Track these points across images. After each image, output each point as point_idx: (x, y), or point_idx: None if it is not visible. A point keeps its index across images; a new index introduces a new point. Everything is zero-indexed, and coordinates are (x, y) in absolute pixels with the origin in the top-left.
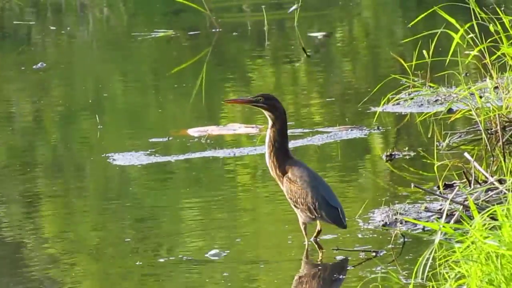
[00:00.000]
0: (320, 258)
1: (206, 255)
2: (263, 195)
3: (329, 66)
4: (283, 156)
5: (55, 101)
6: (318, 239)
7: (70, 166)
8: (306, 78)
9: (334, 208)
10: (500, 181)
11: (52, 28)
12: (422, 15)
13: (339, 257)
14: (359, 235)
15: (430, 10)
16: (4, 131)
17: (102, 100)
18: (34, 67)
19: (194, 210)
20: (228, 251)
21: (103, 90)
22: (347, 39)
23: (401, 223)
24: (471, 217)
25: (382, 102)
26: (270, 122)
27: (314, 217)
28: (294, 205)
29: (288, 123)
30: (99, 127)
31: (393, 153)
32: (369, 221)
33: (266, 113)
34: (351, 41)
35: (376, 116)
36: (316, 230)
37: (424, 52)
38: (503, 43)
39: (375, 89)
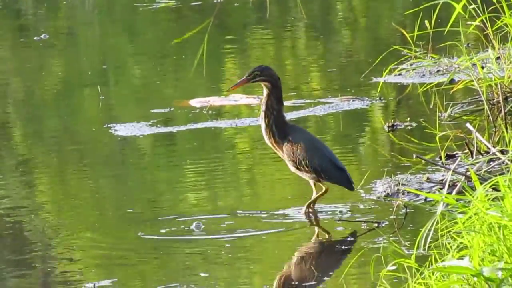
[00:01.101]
0: (321, 228)
1: (191, 227)
2: (265, 165)
3: (329, 36)
4: (282, 122)
5: (57, 72)
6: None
7: (72, 137)
8: (306, 49)
9: (342, 169)
10: (502, 152)
11: None
12: None
13: (340, 228)
14: (361, 206)
15: None
16: (4, 102)
17: (103, 71)
18: (36, 38)
19: (196, 180)
20: (231, 222)
21: (104, 61)
22: (347, 9)
23: (403, 194)
24: (473, 188)
25: (384, 73)
26: (266, 91)
27: (320, 178)
28: (297, 168)
29: (289, 94)
30: (100, 97)
31: (395, 124)
32: (371, 192)
33: (264, 84)
34: (351, 11)
35: (379, 87)
36: (320, 193)
37: (426, 22)
38: (505, 13)
39: (377, 60)
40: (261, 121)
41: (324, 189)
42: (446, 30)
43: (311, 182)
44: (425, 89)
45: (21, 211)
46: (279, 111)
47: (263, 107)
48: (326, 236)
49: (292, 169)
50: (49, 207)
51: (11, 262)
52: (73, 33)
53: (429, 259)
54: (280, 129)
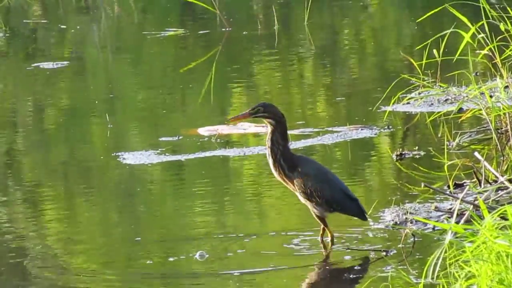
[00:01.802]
0: (329, 257)
1: (194, 256)
2: (274, 194)
3: (337, 65)
4: (289, 156)
5: (65, 100)
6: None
7: (80, 165)
8: (314, 78)
9: (354, 200)
10: (511, 181)
11: (62, 26)
12: (431, 12)
13: (348, 257)
14: (370, 235)
15: (440, 8)
16: (13, 130)
17: (112, 99)
18: (43, 66)
19: (204, 210)
20: (238, 252)
21: (113, 89)
22: (354, 38)
23: (411, 223)
24: (481, 217)
25: (392, 101)
26: (270, 128)
27: (332, 210)
28: (309, 200)
29: (297, 123)
30: (109, 126)
31: (403, 153)
32: (380, 221)
33: (267, 121)
34: (358, 40)
35: (386, 115)
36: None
37: (434, 51)
38: None
39: (388, 89)
40: (268, 158)
41: (329, 228)
42: (455, 59)
43: (316, 215)
44: (433, 118)
45: (27, 240)
46: (284, 146)
47: (268, 143)
48: (334, 264)
49: (303, 200)
50: (56, 236)
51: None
52: (81, 62)
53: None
54: (288, 162)
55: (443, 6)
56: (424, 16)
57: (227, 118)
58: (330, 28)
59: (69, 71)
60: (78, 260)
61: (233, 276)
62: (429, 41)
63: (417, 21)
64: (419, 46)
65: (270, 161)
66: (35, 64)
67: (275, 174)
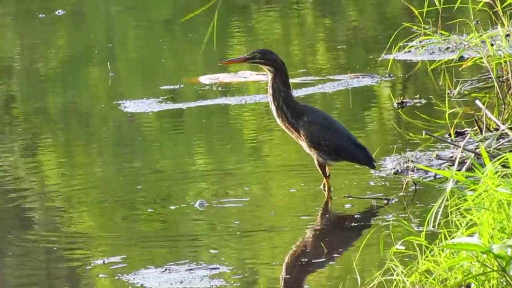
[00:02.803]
0: (330, 205)
1: (194, 204)
2: (274, 142)
3: (337, 14)
4: (292, 103)
5: (65, 48)
6: (330, 187)
7: (81, 113)
8: (314, 27)
9: (362, 148)
10: None
11: None
12: None
13: (349, 205)
14: (371, 183)
15: None
16: (13, 78)
17: (113, 48)
18: (42, 15)
19: (205, 157)
20: (239, 199)
21: (114, 38)
22: None
23: (412, 171)
24: (482, 165)
25: (394, 50)
26: (270, 75)
27: (340, 158)
28: (315, 148)
29: (298, 71)
30: (110, 74)
31: (404, 101)
32: (381, 169)
33: (265, 68)
34: None
35: (389, 64)
36: (327, 189)
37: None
38: None
39: (389, 38)
40: (271, 105)
41: (327, 179)
42: (456, 7)
43: (319, 163)
44: (434, 66)
45: (28, 189)
46: (286, 92)
47: (270, 91)
48: (336, 212)
49: (307, 149)
50: (56, 185)
51: (17, 239)
52: (80, 11)
53: (439, 236)
54: (292, 109)
55: None
56: None
57: (221, 61)
58: None
59: (69, 20)
60: (79, 207)
61: (232, 225)
62: None
63: None
64: None
65: (273, 108)
66: (36, 13)
67: (278, 121)
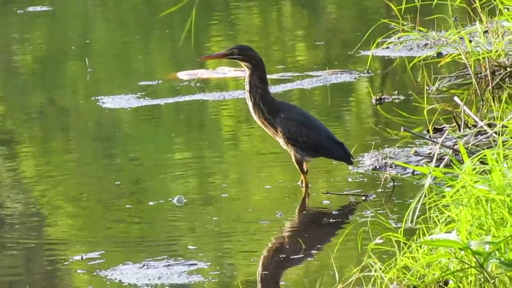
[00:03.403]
0: (308, 202)
1: (172, 200)
2: (251, 138)
3: (316, 10)
4: (269, 99)
5: (42, 44)
6: (308, 184)
7: (59, 109)
8: (293, 22)
9: (340, 144)
10: (490, 125)
11: None
12: None
13: (327, 201)
14: (349, 179)
15: None
16: None
17: (90, 44)
18: (20, 11)
19: (183, 153)
20: (216, 196)
21: (92, 34)
22: None
23: (390, 167)
24: (461, 161)
25: (373, 46)
26: (248, 71)
27: (317, 154)
28: (293, 144)
29: (277, 67)
30: (88, 70)
31: (382, 97)
32: (359, 165)
33: (243, 64)
34: None
35: (368, 60)
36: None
37: None
38: None
39: (366, 35)
40: (248, 101)
41: (305, 176)
42: (434, 3)
43: (296, 160)
44: (413, 63)
45: (4, 184)
46: (263, 89)
47: (247, 87)
48: (314, 208)
49: (284, 146)
50: (34, 180)
51: None
52: (57, 7)
53: (417, 232)
54: (269, 106)
55: None
56: None
57: (199, 57)
58: None
59: (45, 16)
60: (56, 203)
61: (210, 221)
62: None
63: None
64: None
65: (250, 104)
66: (12, 8)
67: (255, 117)
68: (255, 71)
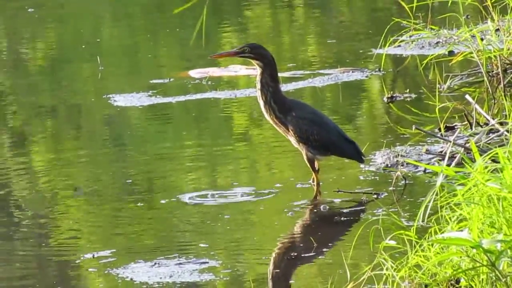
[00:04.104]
0: (320, 200)
1: (183, 199)
2: (263, 137)
3: (328, 8)
4: (280, 98)
5: (53, 43)
6: (320, 182)
7: (71, 107)
8: (305, 21)
9: (351, 142)
10: (502, 123)
11: None
12: None
13: (338, 200)
14: (361, 177)
15: None
16: (1, 72)
17: (102, 42)
18: (30, 10)
19: (194, 151)
20: (227, 194)
21: (103, 32)
22: None
23: (402, 165)
24: (472, 160)
25: (387, 45)
26: (259, 70)
27: (329, 153)
28: (304, 143)
29: (288, 65)
30: (100, 68)
31: (394, 95)
32: (370, 163)
33: (255, 62)
34: None
35: (382, 59)
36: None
37: None
38: None
39: (379, 32)
40: (259, 100)
41: (317, 174)
42: (448, 2)
43: (308, 158)
44: (425, 61)
45: (17, 182)
46: (274, 87)
47: (258, 85)
48: (326, 207)
49: (296, 144)
50: (46, 178)
51: (5, 233)
52: (68, 4)
53: (429, 231)
54: (280, 104)
55: None
56: None
57: (210, 55)
58: None
59: (56, 14)
60: (68, 202)
61: (222, 220)
62: None
63: None
64: None
65: (261, 103)
66: (23, 6)
67: (266, 116)
68: (266, 69)
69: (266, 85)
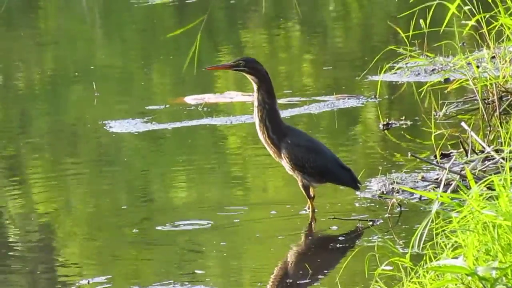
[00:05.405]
0: (315, 227)
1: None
2: (258, 163)
3: (323, 34)
4: (276, 118)
5: (50, 68)
6: (315, 209)
7: (66, 133)
8: (301, 47)
9: (347, 169)
10: (497, 151)
11: None
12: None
13: (334, 227)
14: (356, 204)
15: None
16: None
17: (96, 68)
18: (26, 34)
19: (189, 177)
20: (222, 221)
21: (98, 57)
22: (340, 7)
23: (398, 192)
24: (468, 187)
25: (382, 72)
26: (255, 86)
27: (324, 180)
28: (299, 170)
29: (284, 92)
30: (95, 94)
31: (390, 122)
32: (366, 190)
33: (249, 77)
34: (344, 9)
35: (378, 86)
36: (311, 210)
37: (421, 21)
38: (500, 12)
39: (375, 59)
40: (254, 117)
41: (312, 201)
42: (442, 30)
43: (303, 185)
44: (420, 88)
45: (13, 208)
46: (271, 104)
47: (255, 103)
48: (321, 233)
49: (290, 171)
50: (42, 204)
51: (1, 257)
52: (68, 28)
53: (424, 258)
54: (275, 125)
55: None
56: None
57: (206, 67)
58: None
59: (53, 40)
60: (64, 227)
61: (217, 246)
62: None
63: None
64: (403, 14)
65: (256, 120)
66: (19, 32)
67: (260, 134)
68: (262, 85)
69: (263, 102)
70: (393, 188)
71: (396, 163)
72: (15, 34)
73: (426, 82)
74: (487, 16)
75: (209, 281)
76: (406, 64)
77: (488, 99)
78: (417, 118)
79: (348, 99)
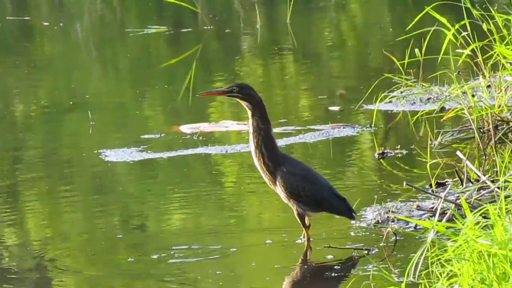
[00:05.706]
0: (310, 256)
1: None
2: (254, 191)
3: (319, 63)
4: (272, 144)
5: (45, 97)
6: (310, 238)
7: (61, 162)
8: (296, 76)
9: (342, 199)
10: (493, 180)
11: (45, 24)
12: (418, 17)
13: (329, 256)
14: (351, 233)
15: (424, 11)
16: None
17: (93, 96)
18: (21, 63)
19: (184, 208)
20: (217, 250)
21: (93, 86)
22: (336, 36)
23: (393, 221)
24: (463, 216)
25: (377, 101)
26: (249, 112)
27: (319, 209)
28: (295, 199)
29: (280, 121)
30: (91, 123)
31: (385, 151)
32: (361, 219)
33: (243, 103)
34: (340, 39)
35: (374, 115)
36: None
37: (416, 50)
38: (495, 42)
39: (370, 88)
40: (250, 144)
41: (307, 230)
42: (439, 59)
43: (298, 214)
44: (416, 117)
45: (6, 238)
46: (266, 130)
47: (250, 130)
48: (316, 263)
49: (285, 200)
50: (36, 233)
51: None
52: (63, 58)
53: (419, 287)
54: (270, 151)
55: (426, 10)
56: (414, 21)
57: (199, 92)
58: (312, 26)
59: (48, 69)
60: (59, 257)
61: (213, 275)
62: (410, 35)
63: (408, 28)
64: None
65: (252, 147)
66: (14, 61)
67: (255, 161)
68: (256, 111)
69: (258, 129)
70: (388, 217)
71: (391, 192)
72: (11, 61)
73: (422, 110)
74: (481, 45)
75: None
76: (401, 92)
77: (484, 128)
78: (412, 147)
79: (344, 128)
